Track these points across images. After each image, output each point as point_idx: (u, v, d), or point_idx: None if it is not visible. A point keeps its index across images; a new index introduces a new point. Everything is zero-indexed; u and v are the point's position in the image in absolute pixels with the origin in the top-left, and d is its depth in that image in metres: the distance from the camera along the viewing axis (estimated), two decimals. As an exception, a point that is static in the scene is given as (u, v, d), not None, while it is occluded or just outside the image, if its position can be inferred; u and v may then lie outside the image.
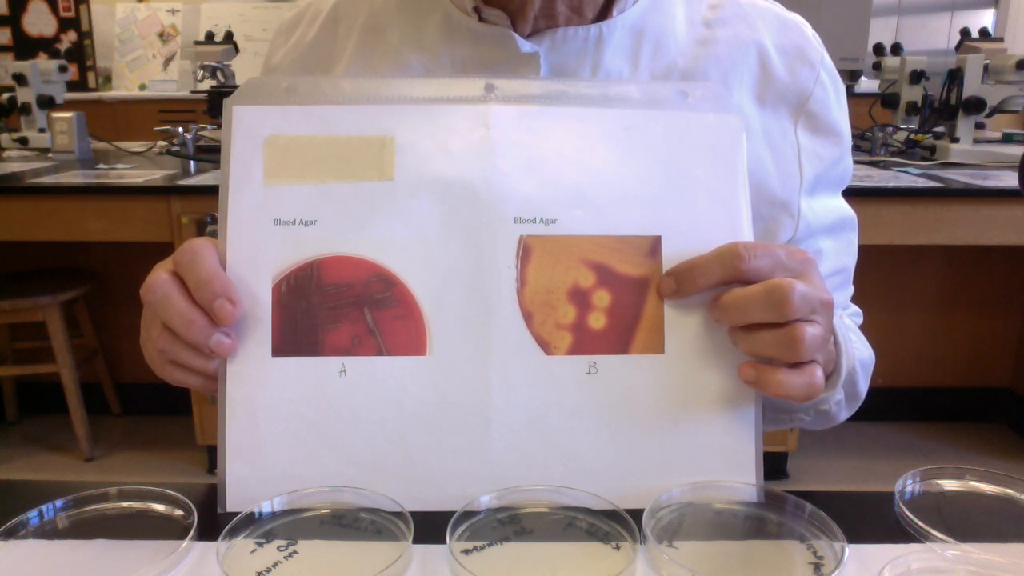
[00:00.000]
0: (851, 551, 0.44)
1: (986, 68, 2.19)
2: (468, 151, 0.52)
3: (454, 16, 0.63)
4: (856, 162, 2.20)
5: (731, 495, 0.50)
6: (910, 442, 2.46)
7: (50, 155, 2.42)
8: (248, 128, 0.52)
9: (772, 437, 2.11)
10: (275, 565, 0.44)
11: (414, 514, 0.45)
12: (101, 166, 2.25)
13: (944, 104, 2.26)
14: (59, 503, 0.49)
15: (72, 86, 3.53)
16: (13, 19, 4.17)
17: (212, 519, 0.49)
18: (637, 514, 0.44)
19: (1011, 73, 2.14)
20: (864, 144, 2.45)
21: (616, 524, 0.46)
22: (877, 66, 2.64)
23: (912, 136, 2.41)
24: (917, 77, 2.42)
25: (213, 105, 2.61)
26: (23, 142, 2.55)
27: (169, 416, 2.48)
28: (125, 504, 0.50)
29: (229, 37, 2.77)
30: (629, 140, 0.53)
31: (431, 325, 0.50)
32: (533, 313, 0.50)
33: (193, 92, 3.37)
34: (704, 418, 0.51)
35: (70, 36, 4.20)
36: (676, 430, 0.50)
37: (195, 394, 2.08)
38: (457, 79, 0.53)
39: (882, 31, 3.94)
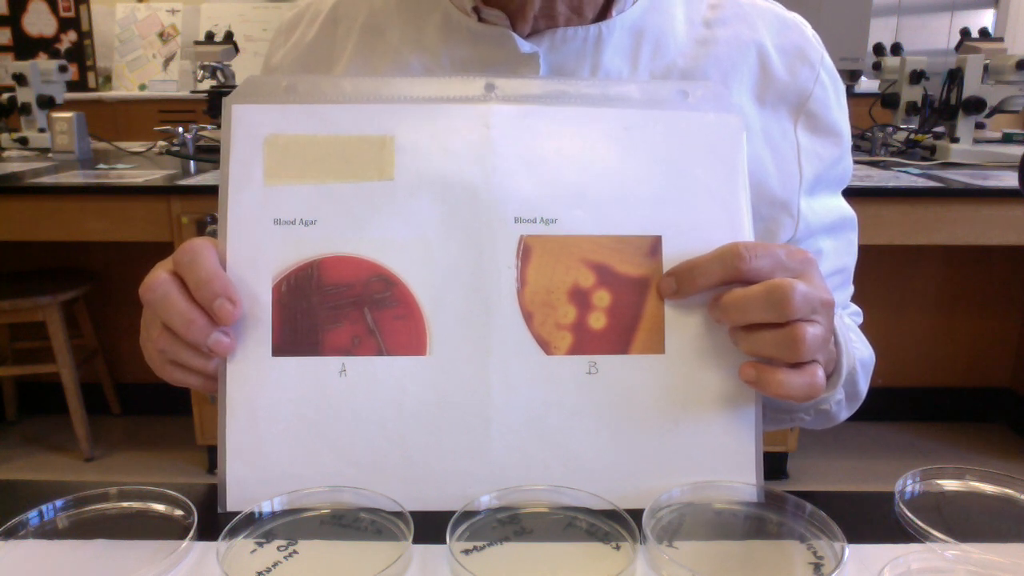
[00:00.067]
0: (851, 551, 0.44)
1: (986, 68, 2.19)
2: (468, 151, 0.52)
3: (453, 16, 0.63)
4: (856, 162, 2.20)
5: (731, 495, 0.50)
6: (910, 442, 2.46)
7: (50, 155, 2.42)
8: (248, 127, 0.52)
9: (772, 437, 2.11)
10: (275, 565, 0.44)
11: (414, 514, 0.45)
12: (101, 166, 2.25)
13: (944, 104, 2.26)
14: (59, 503, 0.49)
15: (72, 86, 3.53)
16: (13, 19, 4.17)
17: (212, 519, 0.49)
18: (637, 514, 0.44)
19: (1011, 73, 2.14)
20: (864, 144, 2.45)
21: (616, 524, 0.46)
22: (877, 66, 2.64)
23: (912, 136, 2.41)
24: (917, 77, 2.42)
25: (213, 105, 2.61)
26: (23, 142, 2.55)
27: (169, 416, 2.49)
28: (125, 504, 0.50)
29: (229, 37, 2.77)
30: (629, 140, 0.53)
31: (431, 325, 0.50)
32: (533, 313, 0.50)
33: (193, 92, 3.37)
34: (704, 418, 0.51)
35: (70, 36, 4.20)
36: (676, 430, 0.50)
37: (195, 394, 2.08)
38: (457, 78, 0.53)
39: (882, 31, 3.94)
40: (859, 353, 0.65)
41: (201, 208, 1.91)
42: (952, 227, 1.86)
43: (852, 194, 0.71)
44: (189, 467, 2.30)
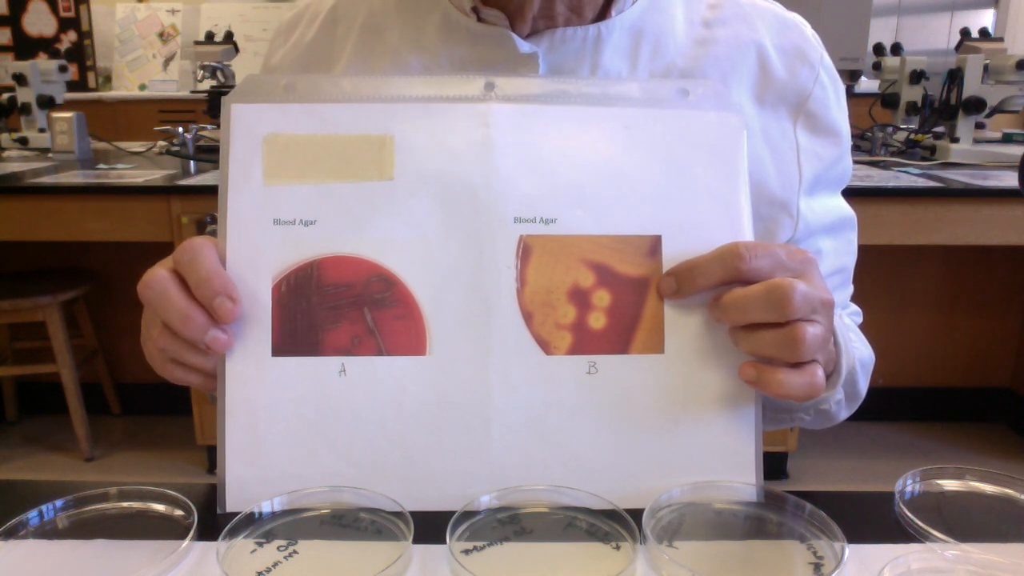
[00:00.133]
0: (851, 551, 0.44)
1: (986, 68, 2.19)
2: (468, 150, 0.52)
3: (453, 16, 0.63)
4: (856, 162, 2.20)
5: (731, 495, 0.50)
6: (910, 442, 2.46)
7: (50, 155, 2.42)
8: (247, 126, 0.52)
9: (772, 437, 2.11)
10: (275, 565, 0.44)
11: (414, 514, 0.45)
12: (101, 166, 2.25)
13: (944, 104, 2.26)
14: (59, 503, 0.49)
15: (72, 86, 3.53)
16: (13, 19, 4.17)
17: (212, 519, 0.49)
18: (637, 514, 0.44)
19: (1011, 73, 2.14)
20: (864, 144, 2.45)
21: (616, 524, 0.46)
22: (877, 66, 2.64)
23: (912, 136, 2.41)
24: (917, 77, 2.42)
25: (213, 105, 2.61)
26: (23, 142, 2.55)
27: (169, 416, 2.49)
28: (125, 504, 0.50)
29: (229, 37, 2.77)
30: (629, 139, 0.53)
31: (431, 325, 0.50)
32: (533, 313, 0.50)
33: (193, 92, 3.37)
34: (704, 418, 0.51)
35: (70, 36, 4.20)
36: (676, 430, 0.50)
37: (195, 394, 2.08)
38: (457, 78, 0.53)
39: (882, 31, 3.94)
40: (859, 353, 0.65)
41: (201, 208, 1.91)
42: (952, 227, 1.86)
43: (852, 194, 0.71)
44: (189, 467, 2.30)
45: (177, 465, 2.31)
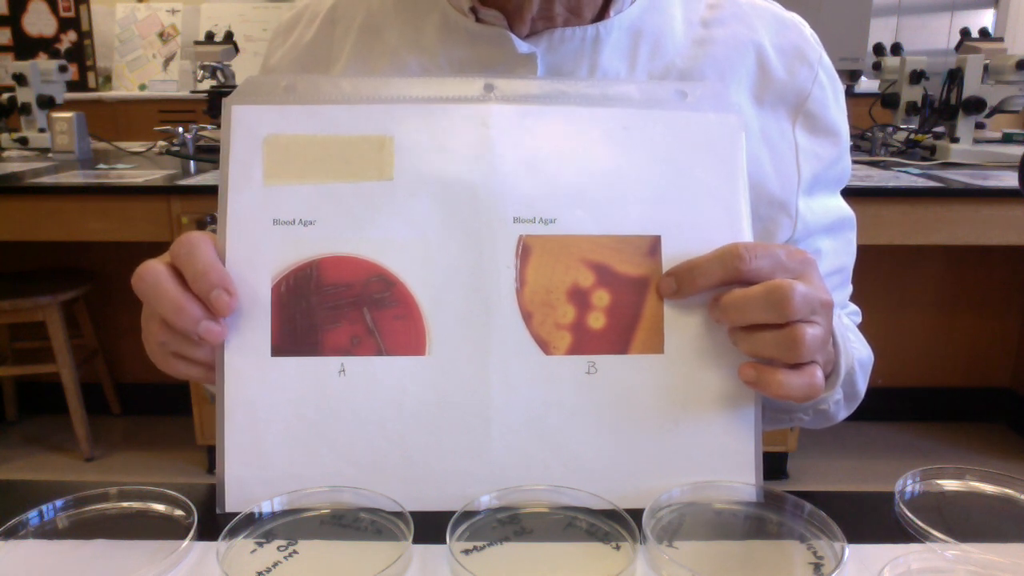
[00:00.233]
0: (851, 551, 0.44)
1: (986, 68, 2.19)
2: (467, 151, 0.52)
3: (451, 17, 0.63)
4: (856, 162, 2.20)
5: (731, 495, 0.50)
6: (910, 442, 2.46)
7: (50, 155, 2.42)
8: (247, 127, 0.52)
9: (772, 437, 2.11)
10: (275, 565, 0.44)
11: (414, 514, 0.45)
12: (101, 166, 2.25)
13: (944, 104, 2.26)
14: (59, 503, 0.49)
15: (72, 86, 3.53)
16: (13, 19, 4.16)
17: (212, 519, 0.49)
18: (637, 514, 0.44)
19: (1011, 73, 2.14)
20: (864, 144, 2.45)
21: (616, 524, 0.46)
22: (877, 66, 2.64)
23: (912, 136, 2.41)
24: (917, 77, 2.42)
25: (213, 105, 2.61)
26: (23, 142, 2.55)
27: (169, 416, 2.49)
28: (125, 504, 0.50)
29: (229, 37, 2.77)
30: (628, 140, 0.53)
31: (430, 325, 0.50)
32: (532, 313, 0.50)
33: (193, 92, 3.37)
34: (704, 418, 0.51)
35: (70, 36, 4.20)
36: (676, 430, 0.50)
37: (195, 394, 2.08)
38: (456, 78, 0.53)
39: (882, 31, 3.94)
40: (857, 353, 0.65)
41: (201, 208, 1.91)
42: (952, 227, 1.86)
43: (852, 194, 0.71)
44: (189, 467, 2.30)
45: (177, 465, 2.31)
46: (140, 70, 4.26)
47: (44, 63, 2.55)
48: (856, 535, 0.46)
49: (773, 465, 2.24)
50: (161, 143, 2.62)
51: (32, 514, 0.48)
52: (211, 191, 1.55)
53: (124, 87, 4.25)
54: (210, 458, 2.27)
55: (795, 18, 0.67)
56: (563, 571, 0.44)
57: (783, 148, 0.64)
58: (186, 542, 0.46)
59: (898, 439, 2.47)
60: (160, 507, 0.50)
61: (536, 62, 0.61)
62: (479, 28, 0.62)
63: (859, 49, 2.35)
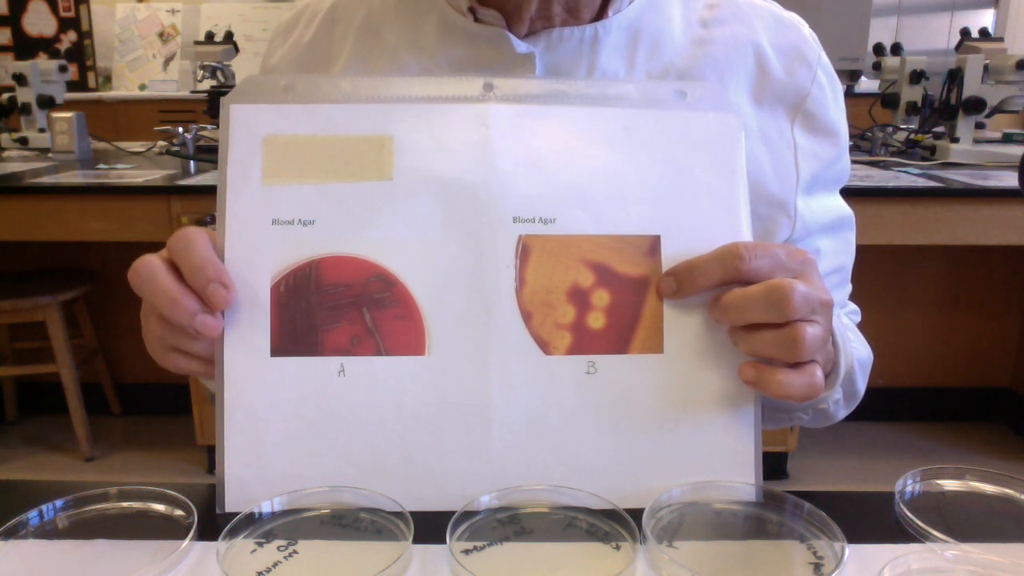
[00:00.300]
0: (851, 551, 0.44)
1: (986, 68, 2.19)
2: (467, 150, 0.52)
3: (450, 17, 0.63)
4: (856, 162, 2.20)
5: (731, 495, 0.50)
6: (910, 442, 2.46)
7: (50, 155, 2.42)
8: (246, 127, 0.52)
9: (772, 437, 2.11)
10: (275, 565, 0.44)
11: (414, 514, 0.45)
12: (101, 166, 2.25)
13: (944, 104, 2.26)
14: (59, 503, 0.49)
15: (72, 86, 3.53)
16: (13, 19, 4.16)
17: (212, 519, 0.49)
18: (637, 514, 0.44)
19: (1011, 73, 2.14)
20: (864, 144, 2.45)
21: (616, 524, 0.46)
22: (877, 66, 2.64)
23: (912, 136, 2.41)
24: (917, 77, 2.42)
25: (213, 105, 2.61)
26: (23, 142, 2.55)
27: (169, 416, 2.49)
28: (125, 504, 0.50)
29: (229, 37, 2.77)
30: (628, 139, 0.53)
31: (430, 325, 0.50)
32: (532, 313, 0.50)
33: (193, 92, 3.37)
34: (704, 418, 0.51)
35: (70, 36, 4.20)
36: (676, 430, 0.50)
37: (195, 394, 2.08)
38: (456, 78, 0.53)
39: (882, 31, 3.94)
40: (857, 352, 0.65)
41: (201, 208, 1.91)
42: (952, 227, 1.86)
43: (852, 194, 0.71)
44: (189, 467, 2.30)
45: (177, 465, 2.31)
46: (140, 70, 4.26)
47: (44, 63, 2.55)
48: (856, 535, 0.46)
49: (773, 465, 2.24)
50: (161, 143, 2.62)
51: (32, 514, 0.48)
52: (211, 191, 1.55)
53: (124, 87, 4.25)
54: (210, 458, 2.27)
55: (794, 18, 0.67)
56: (563, 571, 0.44)
57: (782, 148, 0.64)
58: (186, 542, 0.46)
59: (898, 439, 2.47)
60: (160, 507, 0.50)
61: (534, 62, 0.61)
62: (477, 28, 0.62)
63: (859, 49, 2.35)
